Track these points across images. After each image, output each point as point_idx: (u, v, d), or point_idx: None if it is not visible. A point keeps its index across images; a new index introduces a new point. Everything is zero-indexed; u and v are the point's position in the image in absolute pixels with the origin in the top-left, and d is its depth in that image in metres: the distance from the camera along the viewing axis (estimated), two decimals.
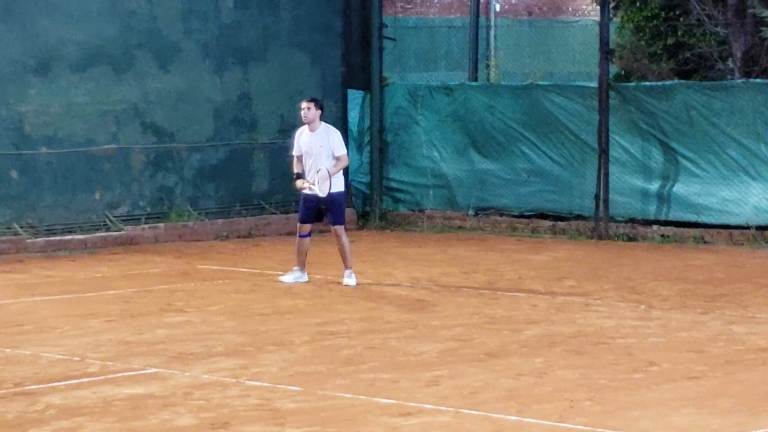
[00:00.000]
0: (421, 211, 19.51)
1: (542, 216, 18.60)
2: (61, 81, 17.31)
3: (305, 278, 14.13)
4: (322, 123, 13.95)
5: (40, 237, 16.86)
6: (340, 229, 13.83)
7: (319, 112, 13.87)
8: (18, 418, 8.39)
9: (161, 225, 17.87)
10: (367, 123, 19.92)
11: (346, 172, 19.21)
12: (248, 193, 19.05)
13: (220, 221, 18.39)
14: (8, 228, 16.77)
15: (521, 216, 18.76)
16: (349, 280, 13.92)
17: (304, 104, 13.93)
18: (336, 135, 13.93)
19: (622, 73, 19.27)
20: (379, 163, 19.78)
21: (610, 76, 18.25)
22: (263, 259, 16.15)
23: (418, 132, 19.56)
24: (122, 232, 17.45)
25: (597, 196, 17.89)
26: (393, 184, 19.83)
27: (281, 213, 18.96)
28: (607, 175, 17.85)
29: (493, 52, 23.66)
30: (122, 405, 8.72)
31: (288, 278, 14.16)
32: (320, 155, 13.74)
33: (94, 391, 9.09)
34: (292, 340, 10.92)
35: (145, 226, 17.74)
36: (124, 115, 17.85)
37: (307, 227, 14.03)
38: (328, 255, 16.21)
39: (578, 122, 18.32)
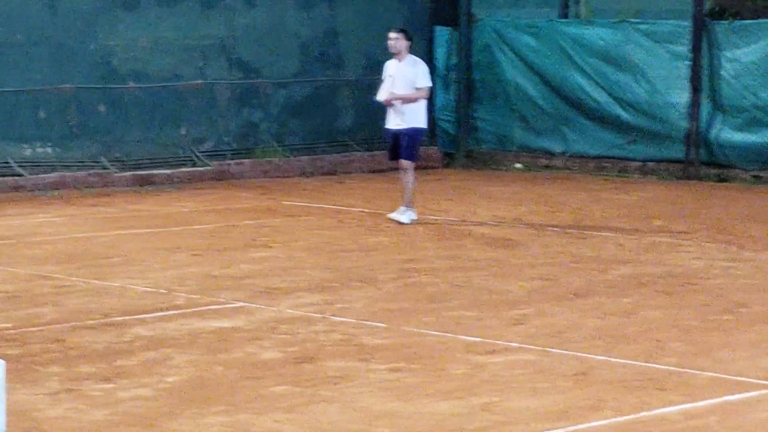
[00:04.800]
0: (507, 150, 19.34)
1: (630, 157, 18.34)
2: (149, 16, 17.34)
3: (405, 217, 13.66)
4: (410, 55, 13.85)
5: (127, 171, 16.97)
6: (406, 163, 13.68)
7: (407, 43, 13.84)
8: (107, 348, 8.46)
9: (246, 161, 17.90)
10: (453, 60, 19.74)
11: (431, 110, 19.15)
12: (333, 130, 19.00)
13: (305, 158, 18.37)
14: (96, 162, 16.90)
15: (609, 156, 18.49)
16: (398, 215, 13.69)
17: (392, 35, 13.87)
18: (422, 67, 13.82)
19: (716, 9, 18.84)
20: (465, 101, 19.61)
21: (704, 12, 17.87)
22: (347, 197, 16.12)
23: (505, 70, 19.33)
24: (208, 168, 17.51)
25: (688, 137, 17.59)
26: (479, 123, 19.66)
27: (366, 150, 18.90)
28: (698, 115, 17.52)
29: None
30: (208, 337, 8.76)
31: (397, 216, 13.75)
32: (403, 86, 13.68)
33: (181, 324, 9.14)
34: (376, 277, 10.89)
35: (231, 161, 17.77)
36: (210, 51, 17.85)
37: (399, 163, 13.90)
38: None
39: (670, 61, 17.97)
